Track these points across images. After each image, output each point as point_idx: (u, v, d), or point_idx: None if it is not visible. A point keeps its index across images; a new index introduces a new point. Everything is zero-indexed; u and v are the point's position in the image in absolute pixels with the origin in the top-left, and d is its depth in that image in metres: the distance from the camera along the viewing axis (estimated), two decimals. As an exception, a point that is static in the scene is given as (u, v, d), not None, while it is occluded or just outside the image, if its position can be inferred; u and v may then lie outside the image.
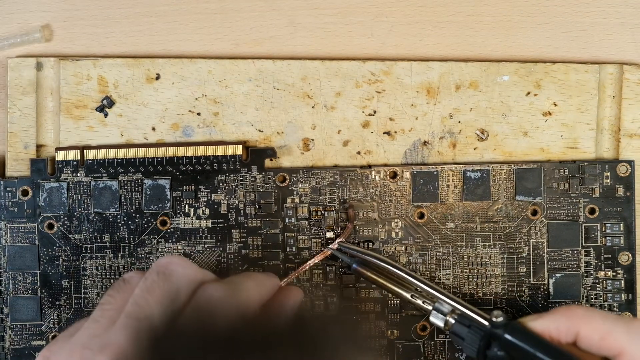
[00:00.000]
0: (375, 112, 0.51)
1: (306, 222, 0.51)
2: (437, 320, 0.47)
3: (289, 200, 0.51)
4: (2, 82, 0.52)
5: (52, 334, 0.50)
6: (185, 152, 0.50)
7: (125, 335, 0.39)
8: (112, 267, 0.51)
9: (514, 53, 0.52)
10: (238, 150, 0.50)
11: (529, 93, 0.51)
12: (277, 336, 0.32)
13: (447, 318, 0.46)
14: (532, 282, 0.51)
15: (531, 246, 0.51)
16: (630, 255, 0.51)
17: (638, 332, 0.43)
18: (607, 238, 0.51)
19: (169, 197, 0.50)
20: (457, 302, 0.47)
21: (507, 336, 0.44)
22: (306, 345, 0.30)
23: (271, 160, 0.51)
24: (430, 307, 0.47)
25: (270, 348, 0.30)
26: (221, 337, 0.32)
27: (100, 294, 0.50)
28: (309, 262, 0.50)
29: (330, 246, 0.50)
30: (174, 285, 0.41)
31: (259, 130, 0.51)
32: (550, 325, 0.44)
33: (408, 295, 0.48)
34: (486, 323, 0.45)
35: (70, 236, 0.50)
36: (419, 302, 0.48)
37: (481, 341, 0.45)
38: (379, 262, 0.48)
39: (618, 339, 0.43)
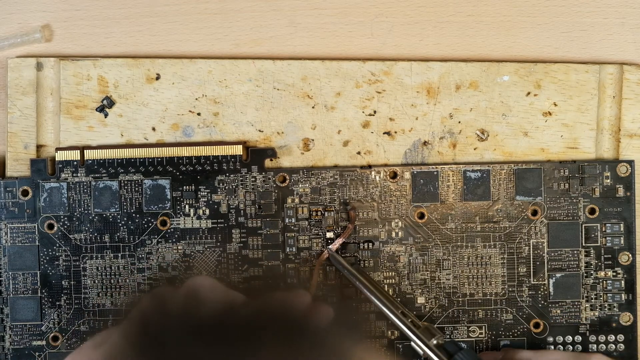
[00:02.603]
0: (375, 112, 0.51)
1: (306, 222, 0.51)
2: (417, 347, 0.47)
3: (289, 200, 0.51)
4: (2, 82, 0.52)
5: (52, 334, 0.50)
6: (185, 152, 0.50)
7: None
8: (112, 267, 0.50)
9: (514, 53, 0.52)
10: (238, 150, 0.50)
11: (529, 93, 0.51)
12: (263, 320, 0.32)
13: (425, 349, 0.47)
14: (532, 282, 0.51)
15: (531, 246, 0.51)
16: (630, 255, 0.51)
17: None
18: (607, 238, 0.51)
19: (169, 197, 0.50)
20: (426, 345, 0.46)
21: None
22: (293, 329, 0.30)
23: (271, 160, 0.51)
24: (412, 335, 0.47)
25: (256, 332, 0.30)
26: (209, 321, 0.32)
27: (100, 294, 0.50)
28: (315, 270, 0.50)
29: (330, 246, 0.50)
30: (203, 306, 0.40)
31: (259, 130, 0.51)
32: None
33: (393, 317, 0.48)
34: None
35: (70, 236, 0.50)
36: (403, 327, 0.47)
37: None
38: (362, 287, 0.48)
39: None
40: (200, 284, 0.42)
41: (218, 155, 0.50)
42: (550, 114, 0.51)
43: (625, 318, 0.51)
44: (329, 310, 0.46)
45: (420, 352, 0.47)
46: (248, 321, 0.32)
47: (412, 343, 0.47)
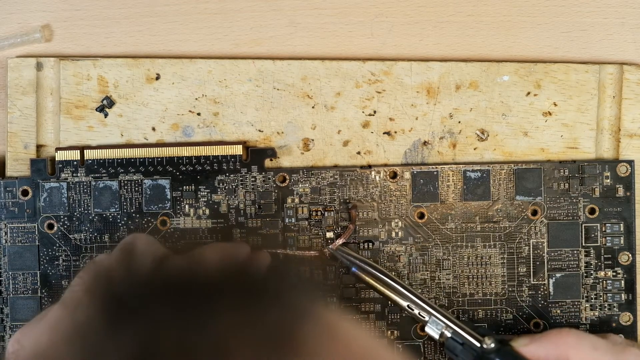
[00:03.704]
0: (375, 112, 0.51)
1: (306, 222, 0.51)
2: (432, 332, 0.48)
3: (289, 200, 0.51)
4: (2, 82, 0.52)
5: (52, 334, 0.50)
6: (185, 152, 0.50)
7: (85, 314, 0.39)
8: (112, 267, 0.50)
9: (514, 53, 0.52)
10: (238, 150, 0.50)
11: (529, 93, 0.51)
12: (225, 283, 0.32)
13: (443, 331, 0.47)
14: (532, 282, 0.51)
15: (531, 246, 0.51)
16: (630, 255, 0.51)
17: None
18: (607, 238, 0.51)
19: (169, 197, 0.50)
20: (450, 320, 0.48)
21: None
22: (252, 291, 0.30)
23: (271, 160, 0.51)
24: (426, 318, 0.48)
25: (219, 293, 0.30)
26: (173, 284, 0.32)
27: (100, 294, 0.50)
28: (304, 252, 0.50)
29: (330, 246, 0.50)
30: (137, 260, 0.41)
31: (259, 130, 0.51)
32: (539, 351, 0.46)
33: (404, 304, 0.48)
34: (478, 344, 0.46)
35: (70, 236, 0.50)
36: (416, 312, 0.48)
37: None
38: (376, 272, 0.48)
39: None
40: (133, 238, 0.42)
41: (218, 155, 0.50)
42: (550, 114, 0.51)
43: (625, 318, 0.51)
44: (265, 255, 0.47)
45: (437, 337, 0.47)
46: (201, 284, 0.32)
47: (429, 329, 0.47)
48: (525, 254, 0.51)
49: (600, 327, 0.51)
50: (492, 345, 0.46)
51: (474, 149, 0.51)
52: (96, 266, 0.43)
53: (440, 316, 0.47)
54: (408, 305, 0.48)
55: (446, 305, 0.51)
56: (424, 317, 0.48)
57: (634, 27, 0.52)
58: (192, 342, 0.26)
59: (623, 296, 0.51)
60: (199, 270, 0.34)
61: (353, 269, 0.49)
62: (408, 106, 0.51)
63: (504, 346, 0.46)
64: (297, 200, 0.51)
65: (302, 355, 0.27)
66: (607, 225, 0.51)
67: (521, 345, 0.46)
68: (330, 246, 0.50)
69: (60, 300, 0.41)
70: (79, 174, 0.51)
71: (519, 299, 0.51)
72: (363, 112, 0.51)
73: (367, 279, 0.49)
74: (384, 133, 0.51)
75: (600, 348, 0.45)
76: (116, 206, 0.50)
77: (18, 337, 0.41)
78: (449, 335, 0.47)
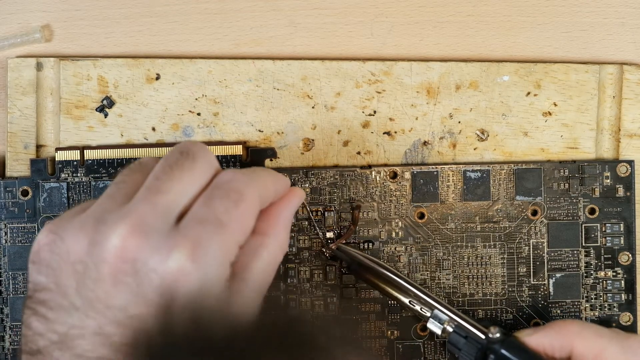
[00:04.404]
0: (375, 112, 0.51)
1: (306, 222, 0.51)
2: (434, 327, 0.47)
3: (289, 200, 0.51)
4: (2, 82, 0.52)
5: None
6: (185, 152, 0.50)
7: (147, 207, 0.36)
8: (112, 267, 0.50)
9: (514, 53, 0.52)
10: (238, 150, 0.50)
11: (529, 93, 0.51)
12: (271, 342, 0.31)
13: (445, 326, 0.47)
14: (532, 282, 0.51)
15: (531, 246, 0.51)
16: (630, 255, 0.51)
17: (632, 350, 0.44)
18: (607, 238, 0.51)
19: (169, 197, 0.50)
20: (454, 313, 0.47)
21: (504, 351, 0.45)
22: (301, 350, 0.30)
23: (271, 160, 0.51)
24: (428, 314, 0.48)
25: (264, 354, 0.29)
26: (216, 343, 0.31)
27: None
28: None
29: (331, 245, 0.50)
30: (196, 164, 0.39)
31: (259, 131, 0.51)
32: (544, 341, 0.46)
33: (406, 301, 0.48)
34: (482, 336, 0.46)
35: (70, 236, 0.50)
36: (417, 308, 0.48)
37: (477, 353, 0.46)
38: (378, 267, 0.48)
39: (611, 357, 0.44)
40: (192, 143, 0.40)
41: (218, 155, 0.50)
42: (550, 114, 0.51)
43: (625, 318, 0.51)
44: (301, 193, 0.44)
45: (439, 332, 0.47)
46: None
47: (431, 324, 0.47)
48: (525, 254, 0.51)
49: (600, 327, 0.51)
50: (498, 334, 0.46)
51: (474, 149, 0.51)
52: (142, 167, 0.40)
53: (444, 308, 0.47)
54: (410, 301, 0.48)
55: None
56: (425, 313, 0.48)
57: (634, 27, 0.52)
58: None
59: (623, 296, 0.51)
60: (239, 327, 0.33)
61: (354, 266, 0.49)
62: (408, 106, 0.51)
63: (508, 337, 0.46)
64: (297, 200, 0.50)
65: None
66: (607, 225, 0.51)
67: (526, 335, 0.46)
68: (330, 245, 0.50)
69: (104, 194, 0.38)
70: (79, 174, 0.51)
71: (519, 299, 0.51)
72: (363, 112, 0.51)
73: (368, 276, 0.49)
74: (384, 133, 0.51)
75: (605, 335, 0.45)
76: (116, 206, 0.50)
77: (52, 228, 0.37)
78: (451, 330, 0.47)
